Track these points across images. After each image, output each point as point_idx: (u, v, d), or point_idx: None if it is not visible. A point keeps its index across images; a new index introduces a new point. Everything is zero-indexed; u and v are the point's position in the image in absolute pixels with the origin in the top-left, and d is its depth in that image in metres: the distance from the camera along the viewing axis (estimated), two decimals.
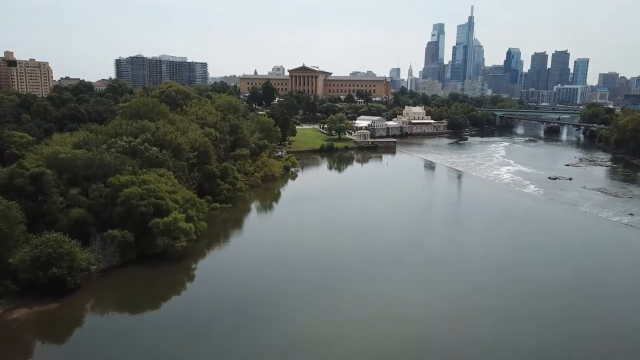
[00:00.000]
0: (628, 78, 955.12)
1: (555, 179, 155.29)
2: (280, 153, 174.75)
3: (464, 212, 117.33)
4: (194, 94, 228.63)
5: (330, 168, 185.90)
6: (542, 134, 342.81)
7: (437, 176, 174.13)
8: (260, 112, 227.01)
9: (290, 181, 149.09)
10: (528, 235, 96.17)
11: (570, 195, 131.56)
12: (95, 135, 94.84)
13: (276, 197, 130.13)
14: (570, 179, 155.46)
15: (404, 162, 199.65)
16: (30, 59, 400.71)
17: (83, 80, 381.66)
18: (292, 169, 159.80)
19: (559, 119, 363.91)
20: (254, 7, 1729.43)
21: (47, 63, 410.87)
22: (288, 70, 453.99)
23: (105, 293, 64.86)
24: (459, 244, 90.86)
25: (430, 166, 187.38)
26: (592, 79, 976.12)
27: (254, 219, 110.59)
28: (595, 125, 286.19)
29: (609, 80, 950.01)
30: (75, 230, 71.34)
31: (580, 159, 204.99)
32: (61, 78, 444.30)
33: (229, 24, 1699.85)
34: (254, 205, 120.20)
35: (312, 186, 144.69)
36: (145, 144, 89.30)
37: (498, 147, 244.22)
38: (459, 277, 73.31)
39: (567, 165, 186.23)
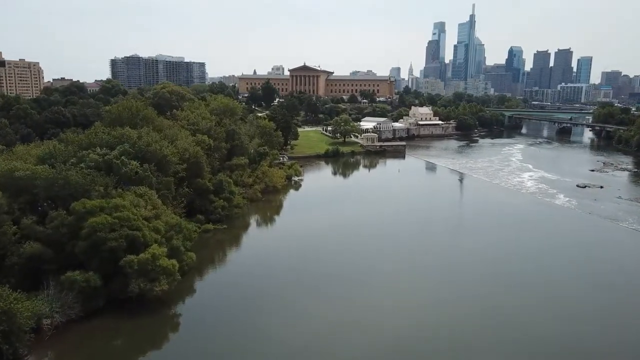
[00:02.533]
0: (631, 76, 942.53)
1: (585, 187, 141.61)
2: (282, 159, 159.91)
3: (499, 230, 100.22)
4: (190, 94, 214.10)
5: (337, 176, 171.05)
6: (546, 133, 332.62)
7: (456, 185, 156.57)
8: (260, 114, 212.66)
9: (293, 192, 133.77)
10: (580, 261, 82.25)
11: (606, 207, 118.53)
12: (65, 146, 79.69)
13: (278, 211, 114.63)
14: (602, 187, 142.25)
15: (417, 168, 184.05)
16: (20, 59, 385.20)
17: (77, 81, 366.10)
18: (296, 178, 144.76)
19: (571, 119, 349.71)
20: (254, 7, 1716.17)
21: (38, 63, 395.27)
22: (289, 70, 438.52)
23: (59, 359, 50.03)
24: (496, 265, 76.38)
25: (446, 173, 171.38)
26: (595, 78, 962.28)
27: (253, 241, 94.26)
28: (612, 125, 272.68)
29: (611, 78, 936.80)
30: (29, 268, 57.18)
31: (604, 163, 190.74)
32: (54, 79, 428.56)
33: (227, 23, 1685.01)
34: (253, 224, 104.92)
35: (318, 199, 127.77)
36: (123, 157, 74.25)
37: (512, 149, 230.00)
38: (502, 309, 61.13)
39: (592, 170, 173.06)
